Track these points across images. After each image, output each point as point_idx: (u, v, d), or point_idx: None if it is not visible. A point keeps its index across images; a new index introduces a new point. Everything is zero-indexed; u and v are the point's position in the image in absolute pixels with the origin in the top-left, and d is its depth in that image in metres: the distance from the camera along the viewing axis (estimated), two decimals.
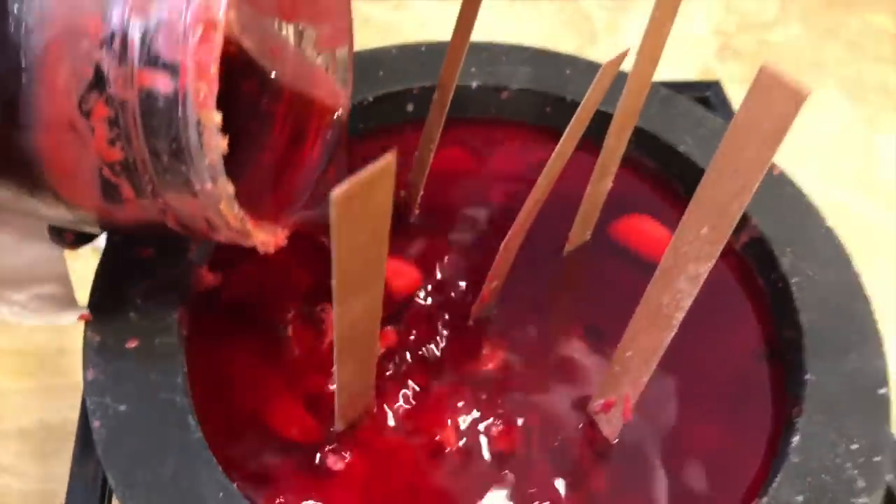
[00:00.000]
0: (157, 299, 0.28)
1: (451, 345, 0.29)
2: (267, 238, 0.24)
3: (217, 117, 0.20)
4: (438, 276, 0.31)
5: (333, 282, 0.20)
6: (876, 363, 0.28)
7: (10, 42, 0.20)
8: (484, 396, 0.28)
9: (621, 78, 0.26)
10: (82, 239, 0.27)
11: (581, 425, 0.27)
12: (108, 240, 0.29)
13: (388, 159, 0.17)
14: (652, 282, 0.24)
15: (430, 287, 0.30)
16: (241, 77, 0.26)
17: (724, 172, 0.21)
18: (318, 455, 0.26)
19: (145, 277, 0.28)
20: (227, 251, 0.27)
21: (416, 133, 0.31)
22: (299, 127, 0.28)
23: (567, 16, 0.63)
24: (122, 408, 0.25)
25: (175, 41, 0.20)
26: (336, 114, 0.28)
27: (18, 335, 0.42)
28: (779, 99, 0.19)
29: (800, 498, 0.25)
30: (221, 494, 0.24)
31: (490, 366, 0.29)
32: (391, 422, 0.27)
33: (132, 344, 0.27)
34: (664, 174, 0.34)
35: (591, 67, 0.35)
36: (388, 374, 0.28)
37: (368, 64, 0.34)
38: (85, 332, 0.27)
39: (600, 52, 0.61)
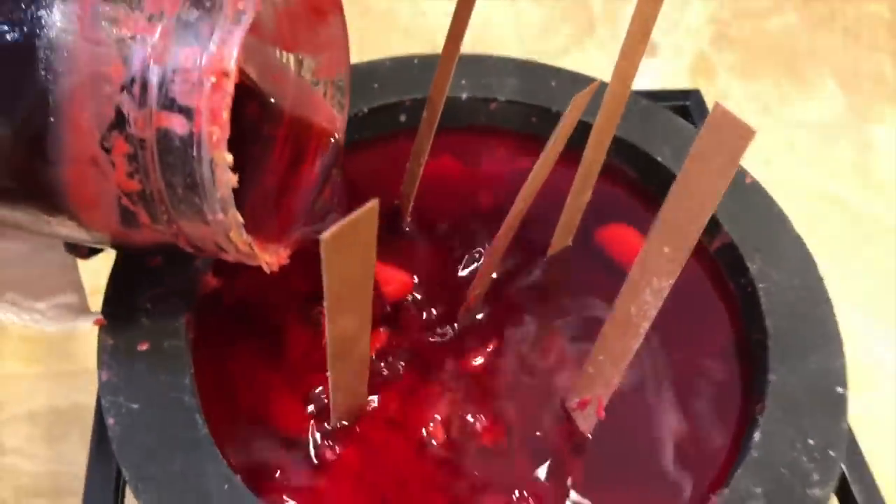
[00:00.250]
0: (166, 305, 0.29)
1: (440, 346, 0.30)
2: (271, 259, 0.25)
3: (228, 157, 0.22)
4: (428, 280, 0.32)
5: (325, 304, 0.21)
6: (835, 364, 0.29)
7: (38, 84, 0.22)
8: (470, 394, 0.29)
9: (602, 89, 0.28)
10: (96, 250, 0.28)
11: (560, 421, 0.29)
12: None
13: (372, 204, 0.19)
14: (621, 292, 0.25)
15: (420, 291, 0.31)
16: (244, 102, 0.27)
17: (683, 198, 0.22)
18: (315, 449, 0.28)
19: (154, 285, 0.29)
20: None
21: (409, 142, 0.32)
22: (298, 150, 0.29)
23: (565, 4, 0.62)
24: (135, 406, 0.27)
25: (190, 87, 0.21)
26: (333, 137, 0.29)
27: None
28: (730, 135, 0.20)
29: (759, 489, 0.26)
30: (226, 486, 0.25)
31: (475, 365, 0.30)
32: (382, 418, 0.28)
33: (143, 347, 0.28)
34: (642, 184, 0.35)
35: (575, 78, 0.36)
36: (379, 372, 0.29)
37: (364, 76, 0.36)
38: (99, 336, 0.28)
39: (598, 41, 0.61)
